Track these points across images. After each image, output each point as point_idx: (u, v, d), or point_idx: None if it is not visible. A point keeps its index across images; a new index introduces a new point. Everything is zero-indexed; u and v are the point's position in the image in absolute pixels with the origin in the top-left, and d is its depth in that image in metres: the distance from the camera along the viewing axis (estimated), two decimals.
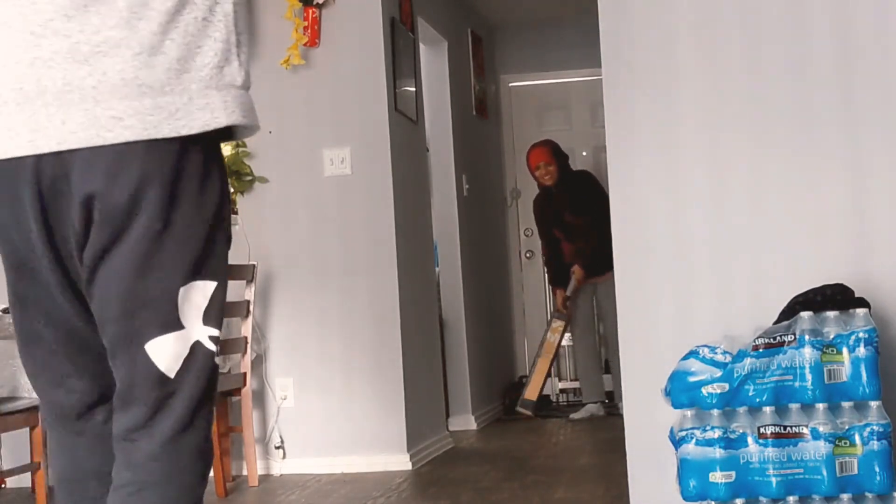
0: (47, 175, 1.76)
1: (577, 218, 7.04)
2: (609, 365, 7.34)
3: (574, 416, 7.19)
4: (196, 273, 1.82)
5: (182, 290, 1.81)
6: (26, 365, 1.98)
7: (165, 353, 1.81)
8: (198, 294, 1.83)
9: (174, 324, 1.81)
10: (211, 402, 1.89)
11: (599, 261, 6.88)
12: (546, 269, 7.62)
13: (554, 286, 7.38)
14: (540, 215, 7.35)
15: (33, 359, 1.96)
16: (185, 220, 1.79)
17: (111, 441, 1.88)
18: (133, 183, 1.74)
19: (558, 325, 7.26)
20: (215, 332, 1.86)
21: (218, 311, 1.87)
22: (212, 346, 1.85)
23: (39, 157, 1.75)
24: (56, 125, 1.75)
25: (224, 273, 1.89)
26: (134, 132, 1.74)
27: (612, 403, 7.49)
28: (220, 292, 1.87)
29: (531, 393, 7.26)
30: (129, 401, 1.83)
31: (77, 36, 1.75)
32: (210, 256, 1.84)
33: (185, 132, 1.76)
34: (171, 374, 1.82)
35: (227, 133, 1.86)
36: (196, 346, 1.84)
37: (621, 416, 6.68)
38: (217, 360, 1.89)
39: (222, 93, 1.80)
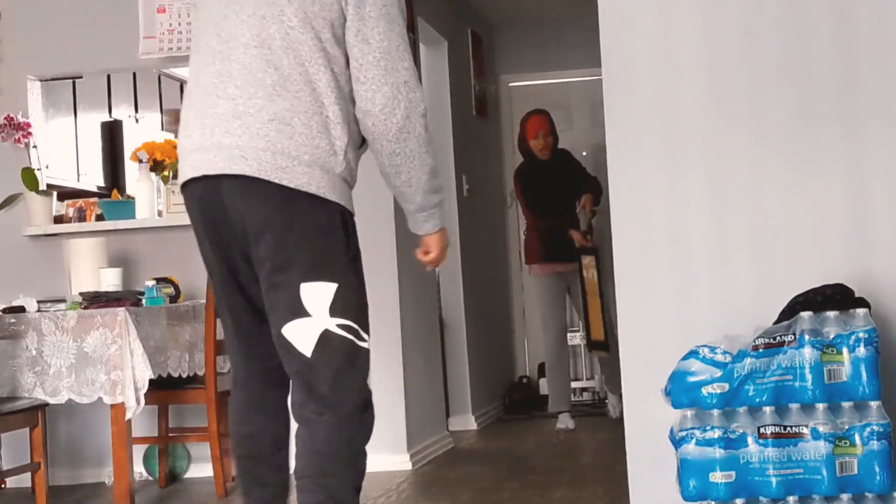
0: None
1: (565, 192, 6.78)
2: (600, 364, 7.14)
3: (559, 425, 6.78)
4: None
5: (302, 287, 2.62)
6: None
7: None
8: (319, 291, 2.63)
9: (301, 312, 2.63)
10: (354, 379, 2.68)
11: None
12: (545, 241, 6.88)
13: (566, 231, 6.74)
14: (530, 188, 6.91)
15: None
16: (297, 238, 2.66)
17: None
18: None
19: (588, 260, 6.74)
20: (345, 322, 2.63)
21: (344, 306, 2.63)
22: (342, 333, 2.63)
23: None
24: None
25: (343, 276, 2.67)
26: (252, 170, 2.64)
27: (602, 404, 7.43)
28: (343, 291, 2.64)
29: (596, 333, 6.80)
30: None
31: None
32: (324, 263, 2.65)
33: (286, 183, 2.61)
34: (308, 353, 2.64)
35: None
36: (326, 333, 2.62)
37: (610, 418, 6.76)
38: (361, 344, 2.67)
39: (320, 171, 2.63)
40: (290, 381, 2.74)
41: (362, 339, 2.67)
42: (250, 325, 2.78)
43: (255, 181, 2.61)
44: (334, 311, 2.62)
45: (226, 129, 2.67)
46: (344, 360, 2.64)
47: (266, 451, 2.95)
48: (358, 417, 2.71)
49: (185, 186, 2.79)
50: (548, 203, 6.86)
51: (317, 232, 2.64)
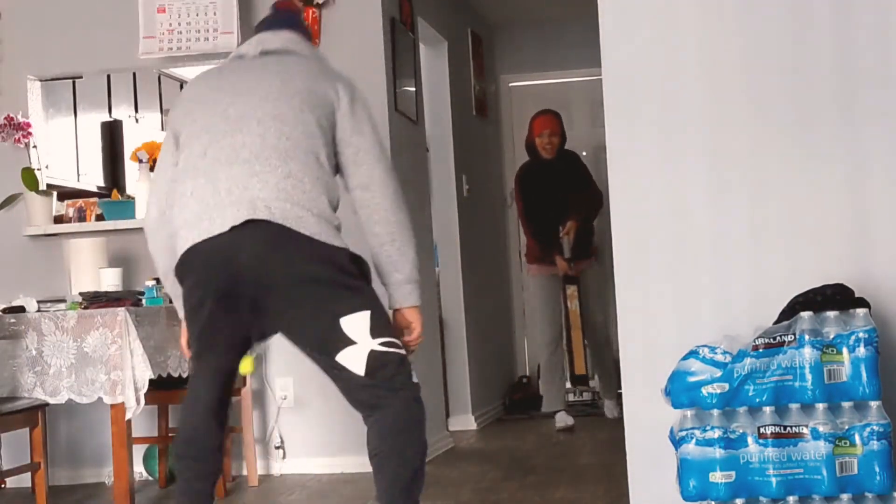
0: None
1: (566, 194, 6.77)
2: (598, 362, 7.14)
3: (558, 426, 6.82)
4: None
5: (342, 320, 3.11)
6: None
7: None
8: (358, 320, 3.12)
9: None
10: (405, 376, 3.20)
11: (578, 244, 6.78)
12: (535, 245, 6.98)
13: (550, 254, 6.85)
14: (530, 187, 6.94)
15: None
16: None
17: None
18: None
19: (572, 290, 6.87)
20: (385, 339, 3.13)
21: (380, 326, 3.13)
22: (385, 349, 3.13)
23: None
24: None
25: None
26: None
27: (597, 404, 7.42)
28: (375, 315, 3.13)
29: (579, 368, 6.95)
30: None
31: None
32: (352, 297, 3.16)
33: (303, 231, 3.08)
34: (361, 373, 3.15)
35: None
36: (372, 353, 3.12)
37: (606, 419, 6.78)
38: (400, 351, 3.19)
39: (325, 223, 3.12)
40: (353, 405, 3.28)
41: (399, 348, 3.17)
42: (231, 361, 3.29)
43: (281, 230, 3.08)
44: (374, 333, 3.10)
45: (245, 186, 3.12)
46: (394, 367, 3.15)
47: (211, 453, 3.32)
48: (417, 403, 3.26)
49: (193, 249, 3.13)
50: (547, 202, 6.86)
51: (340, 273, 3.12)
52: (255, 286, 3.10)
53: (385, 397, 3.16)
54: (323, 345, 3.13)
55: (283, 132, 3.16)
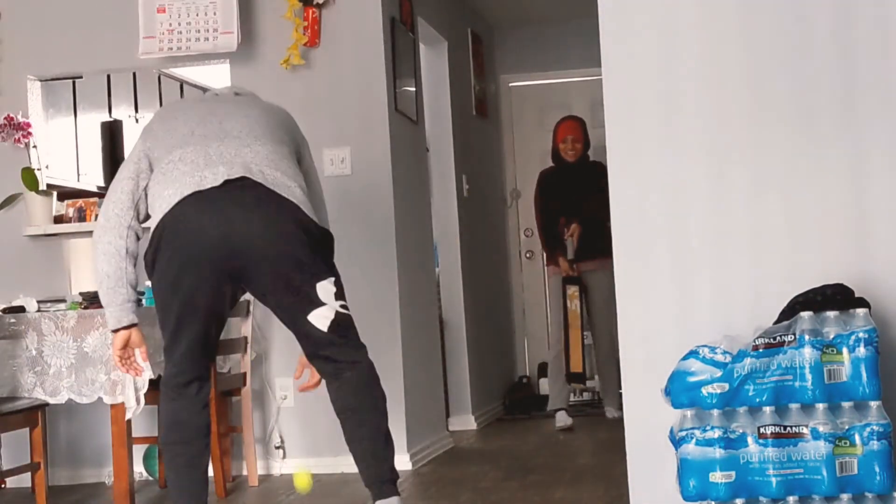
0: None
1: (585, 201, 6.78)
2: (601, 367, 7.16)
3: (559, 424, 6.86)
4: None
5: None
6: None
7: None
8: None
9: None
10: (359, 339, 3.63)
11: (589, 245, 6.80)
12: (541, 241, 7.13)
13: (555, 253, 6.95)
14: (547, 189, 7.02)
15: None
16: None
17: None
18: None
19: (573, 290, 6.91)
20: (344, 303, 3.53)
21: (340, 293, 3.54)
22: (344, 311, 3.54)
23: None
24: None
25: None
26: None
27: (599, 405, 7.43)
28: (337, 282, 3.55)
29: (575, 365, 6.91)
30: None
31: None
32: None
33: (292, 199, 3.46)
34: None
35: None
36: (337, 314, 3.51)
37: (608, 419, 6.77)
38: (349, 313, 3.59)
39: (303, 195, 3.53)
40: (315, 355, 3.60)
41: (349, 311, 3.58)
42: (213, 333, 3.58)
43: (272, 194, 3.36)
44: (338, 296, 3.51)
45: (237, 153, 3.41)
46: (351, 327, 3.57)
47: (196, 436, 3.55)
48: (370, 361, 3.64)
49: (181, 207, 3.33)
50: (562, 204, 6.93)
51: (318, 242, 3.51)
52: (246, 241, 3.32)
53: (352, 354, 3.56)
54: (298, 303, 3.47)
55: (269, 124, 3.61)
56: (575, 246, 6.86)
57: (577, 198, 6.87)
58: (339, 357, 3.54)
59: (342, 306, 3.52)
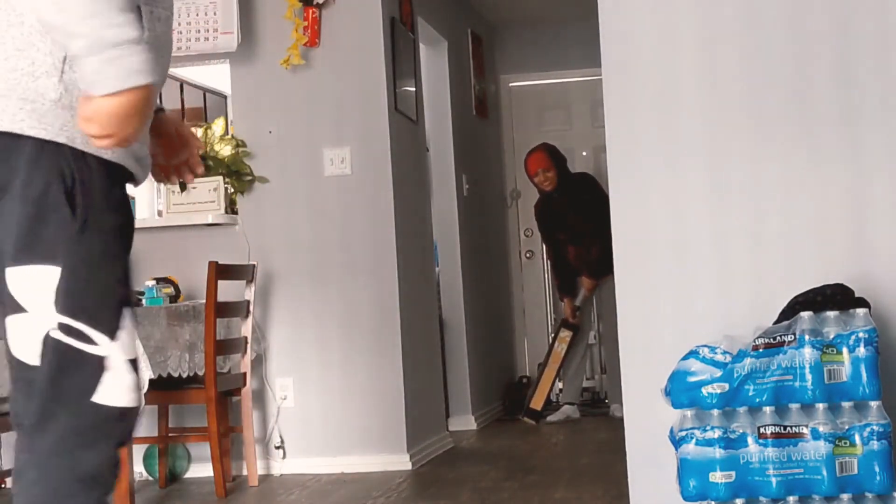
0: None
1: (579, 221, 6.94)
2: (606, 365, 7.29)
3: (551, 418, 7.11)
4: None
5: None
6: None
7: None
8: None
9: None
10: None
11: (605, 264, 6.85)
12: (553, 277, 7.49)
13: (562, 295, 7.25)
14: (542, 221, 7.20)
15: None
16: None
17: None
18: None
19: (566, 334, 7.12)
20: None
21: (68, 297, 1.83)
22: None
23: None
24: None
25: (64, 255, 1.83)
26: None
27: (602, 404, 7.48)
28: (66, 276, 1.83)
29: (536, 403, 7.14)
30: None
31: None
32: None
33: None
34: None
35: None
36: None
37: (612, 418, 6.80)
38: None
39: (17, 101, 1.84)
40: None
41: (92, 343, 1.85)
42: None
43: None
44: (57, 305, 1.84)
45: None
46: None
47: None
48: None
49: None
50: (561, 233, 7.11)
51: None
52: None
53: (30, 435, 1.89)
54: None
55: None
56: (586, 295, 7.12)
57: (570, 223, 7.02)
58: (19, 420, 1.88)
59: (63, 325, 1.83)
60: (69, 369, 1.83)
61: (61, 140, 1.84)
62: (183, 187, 5.30)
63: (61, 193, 1.82)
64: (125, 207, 1.94)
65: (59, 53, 1.84)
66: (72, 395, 1.83)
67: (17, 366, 1.85)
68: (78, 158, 1.85)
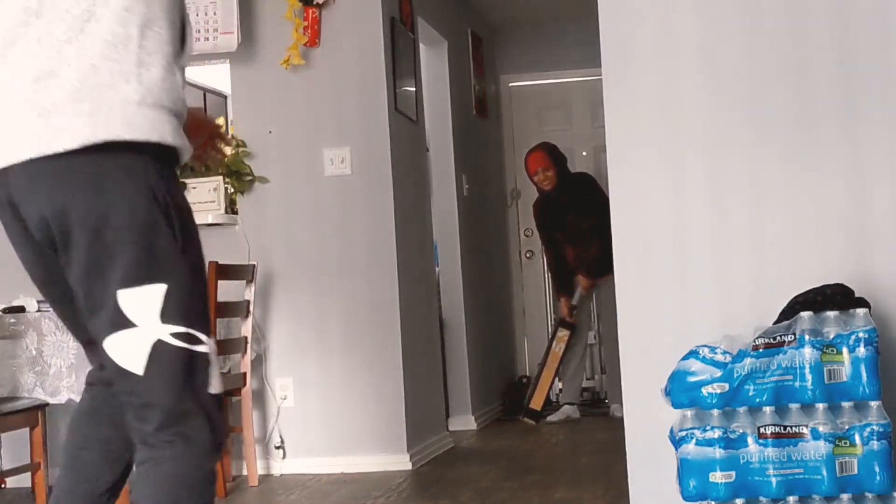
0: None
1: (579, 221, 6.94)
2: (606, 365, 7.30)
3: (551, 418, 7.12)
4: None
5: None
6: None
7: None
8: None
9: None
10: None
11: (604, 264, 6.86)
12: (550, 276, 7.50)
13: (559, 294, 7.24)
14: (541, 220, 7.21)
15: None
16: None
17: None
18: None
19: (564, 334, 7.14)
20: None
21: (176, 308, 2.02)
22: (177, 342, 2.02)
23: None
24: None
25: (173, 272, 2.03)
26: None
27: (602, 404, 7.49)
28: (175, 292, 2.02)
29: (536, 403, 7.15)
30: None
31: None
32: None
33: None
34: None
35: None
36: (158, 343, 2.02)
37: (612, 418, 6.81)
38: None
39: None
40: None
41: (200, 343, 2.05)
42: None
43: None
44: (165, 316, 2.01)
45: None
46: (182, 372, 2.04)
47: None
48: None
49: None
50: (560, 232, 7.10)
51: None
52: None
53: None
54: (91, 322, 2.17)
55: None
56: (583, 294, 7.12)
57: (569, 223, 7.01)
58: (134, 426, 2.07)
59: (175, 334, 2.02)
60: (189, 370, 2.02)
61: (154, 138, 2.00)
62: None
63: (161, 215, 2.02)
64: (182, 191, 2.15)
65: (130, 59, 2.00)
66: (196, 391, 2.03)
67: (120, 376, 2.03)
68: (159, 169, 2.04)
